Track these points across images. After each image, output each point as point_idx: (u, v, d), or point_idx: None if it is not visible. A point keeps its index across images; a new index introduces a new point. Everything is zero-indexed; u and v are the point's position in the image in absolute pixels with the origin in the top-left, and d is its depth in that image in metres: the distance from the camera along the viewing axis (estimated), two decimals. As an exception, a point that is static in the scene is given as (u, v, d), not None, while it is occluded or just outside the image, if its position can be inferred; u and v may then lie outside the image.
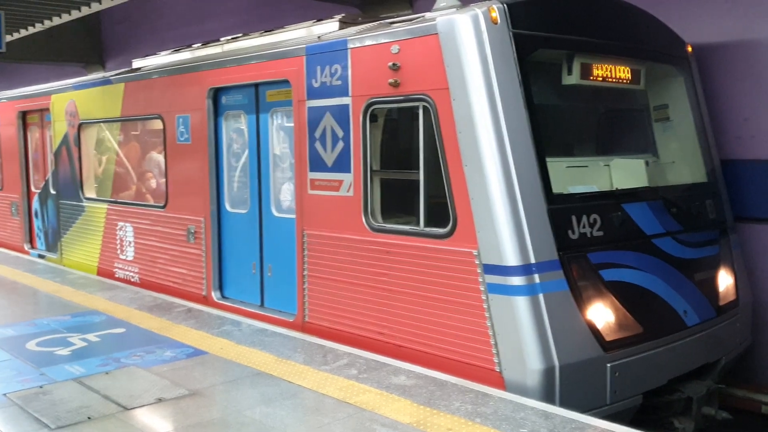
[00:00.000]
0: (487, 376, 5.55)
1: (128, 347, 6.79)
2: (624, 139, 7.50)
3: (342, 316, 6.82)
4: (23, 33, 15.93)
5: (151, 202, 9.80)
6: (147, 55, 10.72)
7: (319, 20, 7.83)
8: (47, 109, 12.20)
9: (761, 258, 7.78)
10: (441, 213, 5.93)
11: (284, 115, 7.69)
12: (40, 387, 5.69)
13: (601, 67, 6.59)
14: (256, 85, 7.89)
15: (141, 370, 6.09)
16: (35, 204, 13.14)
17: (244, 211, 8.19)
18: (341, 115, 6.73)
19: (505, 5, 5.77)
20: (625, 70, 6.85)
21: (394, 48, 6.19)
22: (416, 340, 6.12)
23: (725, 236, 7.37)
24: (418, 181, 6.14)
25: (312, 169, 7.09)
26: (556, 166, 6.02)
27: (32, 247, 13.30)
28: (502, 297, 5.46)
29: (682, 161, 7.49)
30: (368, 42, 6.46)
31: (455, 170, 5.77)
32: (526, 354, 5.32)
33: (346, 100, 6.68)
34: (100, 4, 12.97)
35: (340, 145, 6.75)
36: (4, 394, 5.52)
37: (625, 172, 6.69)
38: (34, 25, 15.21)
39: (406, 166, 6.44)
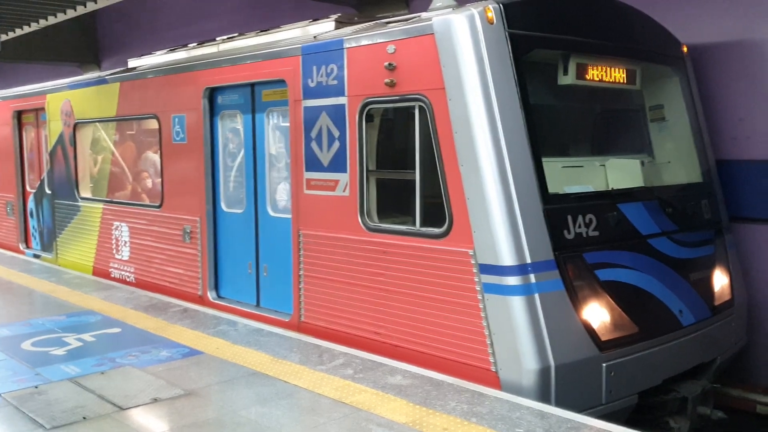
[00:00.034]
0: (482, 376, 5.56)
1: (124, 347, 6.78)
2: (620, 139, 7.51)
3: (338, 316, 6.82)
4: (18, 32, 15.87)
5: (147, 202, 9.78)
6: (142, 55, 10.71)
7: (315, 20, 7.82)
8: (42, 109, 12.17)
9: (756, 258, 7.80)
10: (437, 213, 5.93)
11: (280, 115, 7.69)
12: (36, 387, 5.68)
13: (597, 67, 6.60)
14: (252, 85, 7.88)
15: (136, 370, 6.08)
16: (30, 204, 13.11)
17: (240, 211, 8.18)
18: (337, 114, 6.73)
19: (500, 5, 5.78)
20: (621, 71, 6.86)
21: (390, 48, 6.19)
22: (412, 339, 6.12)
23: (720, 236, 7.39)
24: (414, 181, 6.14)
25: (308, 169, 7.09)
26: (552, 166, 6.03)
27: (27, 247, 13.27)
28: (498, 297, 5.46)
29: (677, 161, 7.50)
30: (364, 42, 6.46)
31: (451, 170, 5.77)
32: (521, 354, 5.33)
33: (342, 100, 6.67)
34: (96, 3, 12.92)
35: (336, 144, 6.75)
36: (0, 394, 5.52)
37: (620, 172, 6.71)
38: (29, 25, 15.15)
39: (402, 166, 6.44)
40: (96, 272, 10.74)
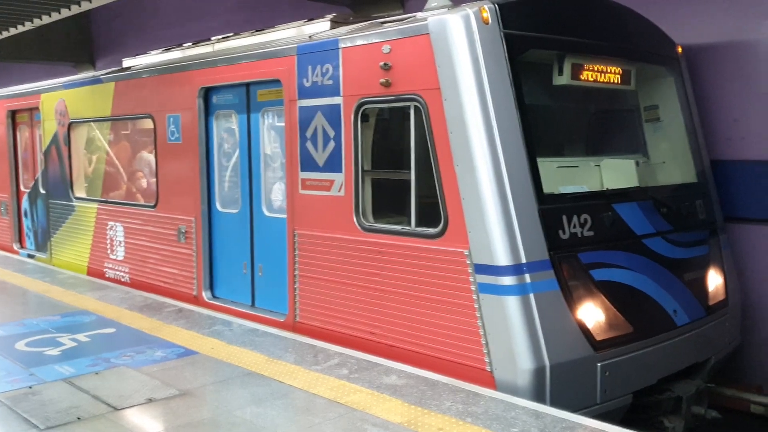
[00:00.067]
0: (478, 376, 5.56)
1: (118, 347, 6.76)
2: (614, 140, 7.52)
3: (333, 316, 6.81)
4: (12, 32, 15.83)
5: (142, 202, 9.76)
6: (137, 55, 10.68)
7: (310, 20, 7.82)
8: (37, 108, 12.14)
9: (750, 258, 7.82)
10: (432, 213, 5.93)
11: (275, 115, 7.68)
12: (30, 387, 5.66)
13: (592, 67, 6.61)
14: (247, 85, 7.88)
15: (131, 371, 6.06)
16: (25, 203, 13.07)
17: (235, 211, 8.17)
18: (332, 114, 6.72)
19: (496, 5, 5.78)
20: (616, 71, 6.88)
21: (386, 48, 6.19)
22: (407, 339, 6.12)
23: (715, 236, 7.41)
24: (409, 181, 6.14)
25: (303, 169, 7.08)
26: (547, 166, 6.04)
27: (22, 247, 13.23)
28: (493, 297, 5.47)
29: (672, 162, 7.52)
30: (359, 42, 6.46)
31: (446, 170, 5.77)
32: (516, 354, 5.34)
33: (337, 100, 6.67)
34: (90, 2, 12.90)
35: (332, 144, 6.75)
36: (-7, 395, 5.49)
37: (615, 173, 6.72)
38: (23, 24, 15.11)
39: (397, 166, 6.44)
40: (90, 272, 10.71)
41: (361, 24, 7.01)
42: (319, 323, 6.95)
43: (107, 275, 10.30)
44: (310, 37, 7.21)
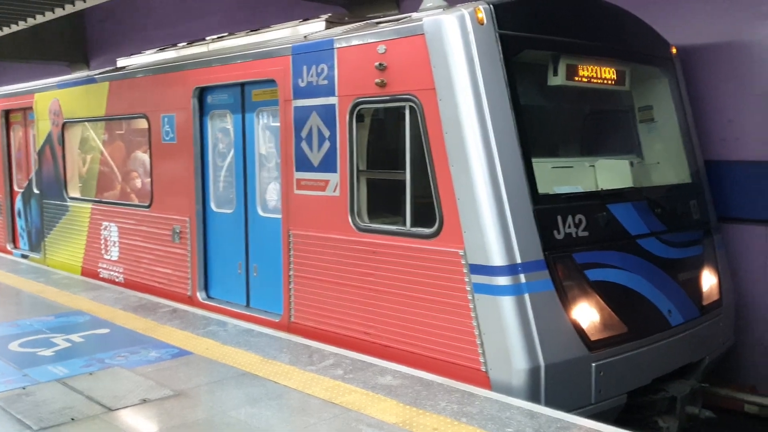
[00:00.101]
0: (473, 376, 5.56)
1: (112, 348, 6.74)
2: (609, 140, 7.54)
3: (328, 317, 6.81)
4: (6, 31, 15.78)
5: (136, 202, 9.74)
6: (132, 54, 10.66)
7: (305, 20, 7.81)
8: (30, 108, 12.10)
9: (744, 258, 7.84)
10: (427, 213, 5.94)
11: (270, 115, 7.67)
12: (23, 388, 5.64)
13: (587, 68, 6.62)
14: (242, 85, 7.87)
15: (125, 371, 6.05)
16: (18, 203, 13.03)
17: (229, 211, 8.16)
18: (327, 114, 6.72)
19: (491, 6, 5.79)
20: (610, 72, 6.89)
21: (381, 48, 6.19)
22: (402, 340, 6.12)
23: (709, 236, 7.43)
24: (404, 181, 6.14)
25: (298, 169, 7.08)
26: (542, 166, 6.05)
27: (15, 247, 13.18)
28: (488, 297, 5.47)
29: (666, 162, 7.54)
30: (355, 42, 6.46)
31: (441, 170, 5.78)
32: (511, 354, 5.34)
33: (332, 100, 6.67)
34: (85, 2, 12.87)
35: (327, 144, 6.74)
36: (-13, 396, 5.47)
37: (610, 173, 6.73)
38: (17, 23, 15.07)
39: (392, 166, 6.44)
40: (84, 272, 10.68)
41: (357, 24, 7.00)
42: (314, 323, 6.95)
43: (101, 275, 10.27)
44: (305, 37, 7.20)
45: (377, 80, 6.20)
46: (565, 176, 6.48)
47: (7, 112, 13.12)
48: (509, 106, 5.70)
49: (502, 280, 5.43)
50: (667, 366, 6.41)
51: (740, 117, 7.79)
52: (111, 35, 17.85)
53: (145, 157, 9.49)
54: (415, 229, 6.06)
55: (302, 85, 6.96)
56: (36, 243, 12.29)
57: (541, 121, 6.85)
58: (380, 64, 6.17)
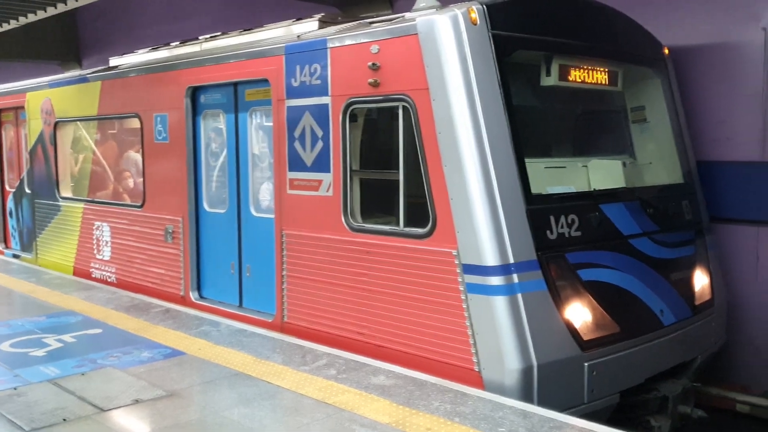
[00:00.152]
0: (466, 376, 5.57)
1: (105, 348, 6.72)
2: (601, 140, 7.56)
3: (321, 317, 6.80)
4: (-2, 30, 15.72)
5: (129, 202, 9.71)
6: (124, 53, 10.63)
7: (298, 19, 7.81)
8: (22, 107, 12.04)
9: (736, 258, 7.88)
10: (420, 213, 5.94)
11: (263, 115, 7.66)
12: (14, 389, 5.61)
13: (579, 68, 6.64)
14: (235, 84, 7.85)
15: (117, 371, 6.03)
16: (10, 203, 12.97)
17: (222, 211, 8.14)
18: (321, 114, 6.71)
19: (484, 6, 5.79)
20: (603, 72, 6.91)
21: (374, 48, 6.19)
22: (396, 340, 6.12)
23: (701, 237, 7.46)
24: (397, 181, 6.14)
25: (291, 169, 7.07)
26: (535, 166, 6.06)
27: (6, 247, 13.12)
28: (481, 297, 5.48)
29: (658, 162, 7.56)
30: (348, 42, 6.45)
31: (435, 170, 5.78)
32: (504, 353, 5.35)
33: (325, 100, 6.66)
34: (77, 1, 12.82)
35: (320, 144, 6.74)
36: (-22, 396, 5.44)
37: (602, 173, 6.75)
38: (8, 22, 15.00)
39: (385, 166, 6.44)
40: (76, 272, 10.64)
41: (350, 24, 7.00)
42: (307, 323, 6.94)
43: (93, 275, 10.24)
44: (298, 36, 7.19)
45: (370, 80, 6.20)
46: (558, 176, 6.49)
47: (-1, 111, 13.07)
48: (502, 107, 5.71)
49: (495, 280, 5.43)
50: (660, 365, 6.43)
51: (732, 118, 7.82)
52: (103, 34, 17.80)
53: (138, 157, 9.46)
54: (408, 229, 6.06)
55: (295, 84, 6.95)
56: (28, 243, 12.24)
57: (534, 122, 6.86)
58: (373, 64, 6.17)
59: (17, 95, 12.17)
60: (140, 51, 10.23)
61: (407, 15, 6.18)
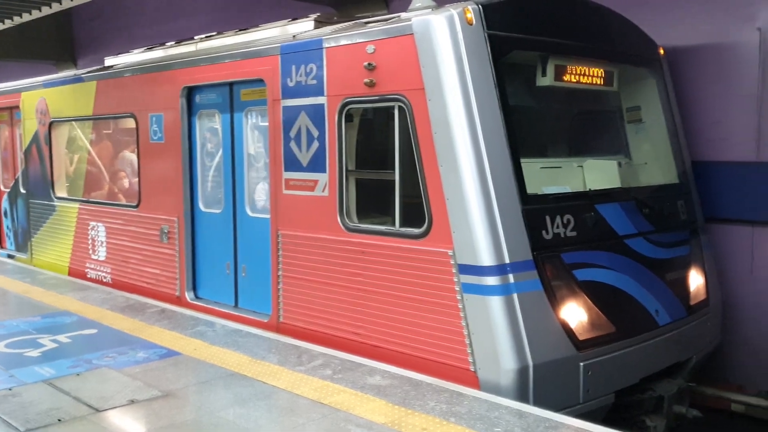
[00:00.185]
0: (461, 376, 5.57)
1: (100, 348, 6.71)
2: (597, 141, 7.57)
3: (317, 317, 6.80)
4: (-7, 29, 15.70)
5: (124, 202, 9.69)
6: (120, 53, 10.60)
7: (294, 19, 7.80)
8: (17, 107, 12.01)
9: (731, 258, 7.89)
10: (416, 213, 5.94)
11: (259, 115, 7.65)
12: (9, 389, 5.60)
13: (575, 69, 6.65)
14: (231, 84, 7.84)
15: (113, 372, 6.02)
16: (4, 203, 12.93)
17: (218, 211, 8.13)
18: (316, 114, 6.71)
19: (480, 6, 5.80)
20: (599, 72, 6.92)
21: (370, 48, 6.18)
22: (391, 340, 6.12)
23: (696, 237, 7.47)
24: (393, 182, 6.14)
25: (287, 169, 7.06)
26: (531, 166, 6.06)
27: (1, 247, 13.09)
28: (477, 297, 5.48)
29: (654, 162, 7.58)
30: (343, 42, 6.45)
31: (430, 170, 5.78)
32: (500, 353, 5.35)
33: (321, 100, 6.66)
34: (72, 0, 12.80)
35: (315, 144, 6.73)
36: (-28, 397, 5.43)
37: (598, 173, 6.76)
38: (3, 22, 14.97)
39: (381, 166, 6.44)
40: (72, 273, 10.62)
41: (345, 24, 7.00)
42: (303, 324, 6.93)
43: (89, 276, 10.21)
44: (293, 36, 7.19)
45: (366, 80, 6.20)
46: (554, 176, 6.50)
47: (-6, 111, 13.03)
48: (498, 107, 5.72)
49: (491, 280, 5.44)
50: (655, 365, 6.44)
51: (727, 118, 7.84)
52: (98, 34, 17.76)
53: (133, 157, 9.44)
54: (404, 229, 6.06)
55: (291, 84, 6.95)
56: (22, 243, 12.20)
57: (529, 122, 6.87)
58: (369, 64, 6.17)
59: (12, 95, 12.14)
60: (136, 51, 10.21)
61: (403, 15, 6.19)
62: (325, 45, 6.60)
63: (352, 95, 6.39)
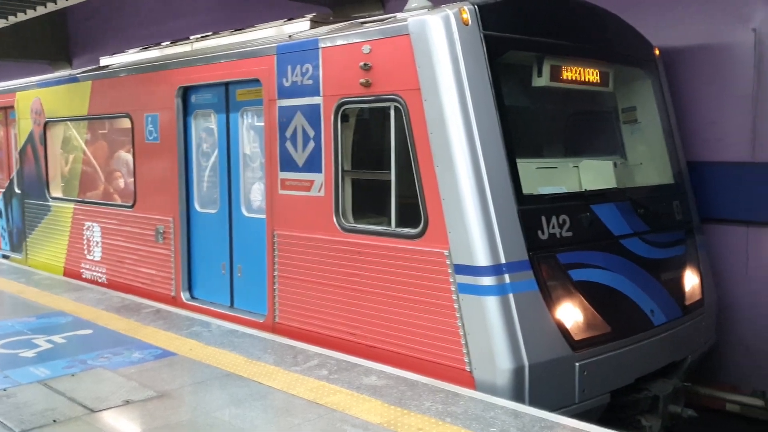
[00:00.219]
0: (457, 376, 5.57)
1: (95, 349, 6.69)
2: (593, 141, 7.58)
3: (313, 317, 6.79)
4: (-13, 29, 15.64)
5: (119, 202, 9.68)
6: (115, 53, 10.59)
7: (290, 19, 7.80)
8: (12, 107, 11.98)
9: (726, 258, 7.91)
10: (412, 213, 5.94)
11: (255, 115, 7.64)
12: (4, 390, 5.58)
13: (571, 69, 6.65)
14: (227, 84, 7.83)
15: (108, 372, 6.00)
16: (-1, 203, 12.91)
17: (213, 211, 8.12)
18: (312, 114, 6.71)
19: (476, 6, 5.80)
20: (594, 73, 6.93)
21: (366, 48, 6.18)
22: (387, 340, 6.12)
23: (691, 237, 7.48)
24: (389, 182, 6.14)
25: (283, 169, 7.06)
26: (526, 167, 6.07)
27: (-4, 248, 13.06)
28: (473, 297, 5.48)
29: (649, 163, 7.59)
30: (339, 42, 6.45)
31: (426, 171, 5.78)
32: (496, 353, 5.35)
33: (317, 100, 6.66)
34: (67, 0, 12.77)
35: (311, 144, 6.73)
36: (-33, 397, 5.41)
37: (593, 174, 6.77)
38: (-2, 21, 14.93)
39: (377, 167, 6.44)
40: (67, 273, 10.59)
41: (341, 24, 7.00)
42: (299, 324, 6.93)
43: (84, 276, 10.19)
44: (289, 36, 7.18)
45: (362, 80, 6.19)
46: (550, 177, 6.51)
47: (-12, 111, 12.99)
48: (494, 107, 5.72)
49: (487, 281, 5.44)
50: (650, 365, 6.45)
51: (722, 118, 7.85)
52: (94, 34, 17.72)
53: (129, 157, 9.42)
54: (400, 230, 6.06)
55: (287, 84, 6.94)
56: (17, 243, 12.17)
57: (525, 122, 6.87)
58: (365, 64, 6.16)
59: (7, 95, 12.11)
60: (131, 51, 10.19)
61: (399, 15, 6.18)
62: (321, 45, 6.60)
63: (348, 95, 6.38)
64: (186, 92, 8.33)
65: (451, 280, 5.61)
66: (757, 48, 7.57)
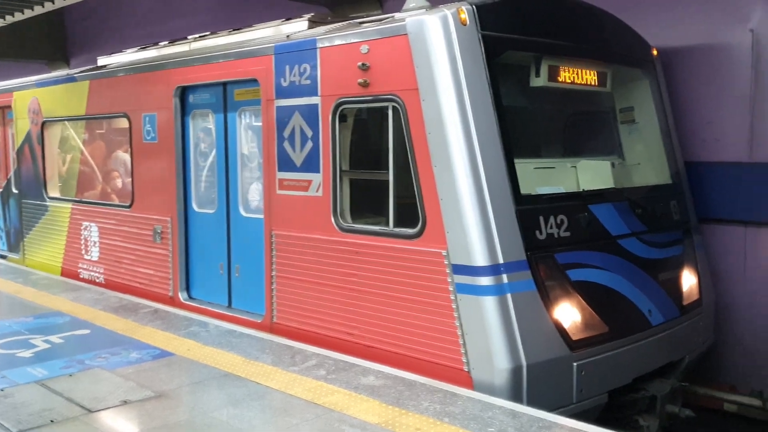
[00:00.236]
0: (455, 376, 5.57)
1: (92, 349, 6.68)
2: (590, 141, 7.59)
3: (311, 317, 6.79)
4: (-15, 29, 15.62)
5: (117, 202, 9.67)
6: (113, 53, 10.58)
7: (288, 19, 7.79)
8: (9, 107, 11.96)
9: (724, 258, 7.92)
10: (410, 213, 5.94)
11: (252, 115, 7.64)
12: (1, 390, 5.57)
13: (569, 69, 6.66)
14: (224, 84, 7.83)
15: (106, 372, 6.00)
16: (-3, 203, 12.89)
17: (211, 211, 8.12)
18: (310, 114, 6.70)
19: (474, 7, 5.80)
20: (592, 73, 6.93)
21: (364, 48, 6.18)
22: (385, 340, 6.12)
23: (689, 237, 7.49)
24: (387, 182, 6.14)
25: (280, 169, 7.05)
26: (524, 167, 6.07)
27: (-7, 248, 13.04)
28: (471, 297, 5.48)
29: (647, 163, 7.60)
30: (337, 42, 6.45)
31: (424, 171, 5.78)
32: (494, 353, 5.35)
33: (315, 100, 6.65)
34: (64, 0, 12.76)
35: (309, 144, 6.73)
36: (-36, 398, 5.40)
37: (591, 174, 6.77)
38: (-5, 21, 14.91)
39: (375, 167, 6.44)
40: (64, 273, 10.58)
41: (339, 24, 7.00)
42: (297, 324, 6.93)
43: (81, 276, 10.18)
44: (287, 36, 7.18)
45: (360, 80, 6.19)
46: (547, 177, 6.51)
47: (-14, 111, 12.97)
48: (492, 107, 5.72)
49: (485, 281, 5.44)
50: (648, 365, 6.46)
51: (720, 119, 7.86)
52: (92, 34, 17.70)
53: (126, 157, 9.42)
54: (398, 230, 6.06)
55: (285, 84, 6.94)
56: (15, 243, 12.16)
57: (523, 122, 6.88)
58: (363, 64, 6.16)
59: (4, 94, 12.09)
60: (129, 50, 10.18)
61: (397, 15, 6.18)
62: (319, 45, 6.60)
63: (346, 95, 6.38)
64: (184, 92, 8.33)
65: (449, 280, 5.61)
66: (754, 48, 7.58)
